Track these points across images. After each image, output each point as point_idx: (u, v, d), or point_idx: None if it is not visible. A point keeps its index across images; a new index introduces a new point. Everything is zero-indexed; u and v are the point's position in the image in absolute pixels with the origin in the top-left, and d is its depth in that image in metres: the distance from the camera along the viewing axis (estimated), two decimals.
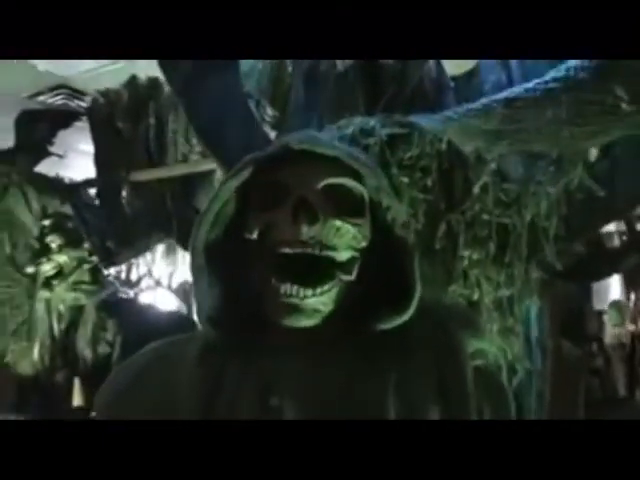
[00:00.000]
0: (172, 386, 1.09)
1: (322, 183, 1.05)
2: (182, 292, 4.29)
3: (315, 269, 1.01)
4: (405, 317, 1.03)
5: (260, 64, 2.44)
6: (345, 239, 1.04)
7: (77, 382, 2.75)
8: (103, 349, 2.57)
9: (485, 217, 1.67)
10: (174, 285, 4.28)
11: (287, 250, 1.01)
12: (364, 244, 1.06)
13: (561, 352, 2.88)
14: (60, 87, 6.34)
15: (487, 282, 1.65)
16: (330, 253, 1.02)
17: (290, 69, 2.32)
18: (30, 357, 2.85)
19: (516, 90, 1.54)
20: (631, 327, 11.97)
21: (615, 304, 8.82)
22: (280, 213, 1.02)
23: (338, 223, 1.03)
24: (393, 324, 1.04)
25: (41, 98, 6.57)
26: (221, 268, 1.09)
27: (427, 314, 1.06)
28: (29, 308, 2.82)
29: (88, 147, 3.52)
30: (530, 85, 1.51)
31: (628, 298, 12.73)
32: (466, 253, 1.64)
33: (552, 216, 1.66)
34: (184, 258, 4.28)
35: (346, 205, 1.05)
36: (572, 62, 1.46)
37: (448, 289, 1.62)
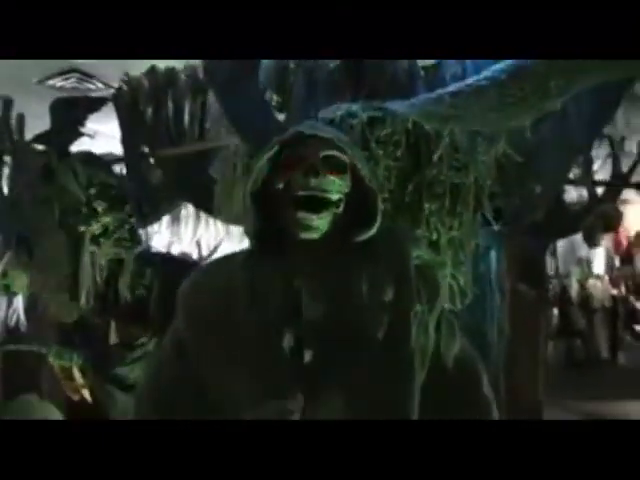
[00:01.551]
0: (228, 279, 1.67)
1: (322, 154, 1.67)
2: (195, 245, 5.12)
3: (318, 204, 1.64)
4: (372, 232, 1.66)
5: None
6: (335, 187, 1.66)
7: (114, 322, 3.32)
8: (140, 292, 3.16)
9: (442, 178, 2.25)
10: (194, 238, 5.00)
11: (302, 193, 1.64)
12: (347, 190, 1.68)
13: (518, 293, 3.42)
14: (70, 72, 6.74)
15: (442, 227, 2.23)
16: (327, 195, 1.65)
17: (292, 64, 2.87)
18: (71, 306, 3.38)
19: (459, 85, 2.13)
20: (614, 291, 12.50)
21: (579, 261, 9.33)
22: (297, 172, 1.64)
23: (331, 177, 1.65)
24: (365, 236, 1.67)
25: (51, 82, 6.89)
26: (261, 205, 1.67)
27: (386, 232, 1.66)
28: (70, 265, 3.36)
29: (115, 129, 4.04)
30: (469, 81, 2.09)
31: (610, 265, 13.22)
32: (427, 205, 2.23)
33: (487, 177, 2.24)
34: (200, 218, 4.98)
35: (336, 167, 1.68)
36: (499, 65, 2.03)
37: (414, 238, 2.21)
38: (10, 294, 4.18)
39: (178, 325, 1.81)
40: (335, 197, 1.66)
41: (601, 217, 6.35)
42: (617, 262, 13.75)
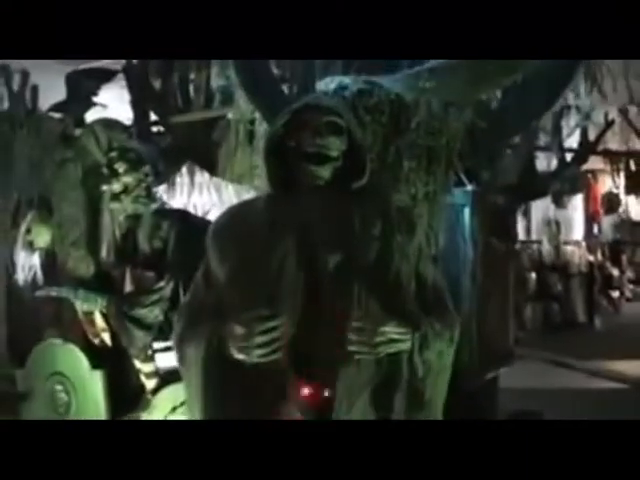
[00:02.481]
0: (249, 219, 2.12)
1: (325, 119, 2.11)
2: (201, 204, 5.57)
3: (323, 159, 2.10)
4: (363, 181, 2.10)
5: None
6: (335, 145, 2.11)
7: (132, 272, 3.67)
8: (158, 244, 3.52)
9: (419, 142, 2.69)
10: (203, 195, 5.45)
11: (310, 149, 2.09)
12: (344, 147, 2.13)
13: (490, 246, 3.79)
14: None
15: (420, 182, 2.67)
16: (329, 152, 2.10)
17: None
18: (89, 260, 3.71)
19: (435, 62, 2.56)
20: (590, 257, 12.87)
21: (548, 222, 9.65)
22: (306, 132, 2.09)
23: (332, 137, 2.10)
24: (358, 185, 2.12)
25: None
26: (277, 160, 2.13)
27: (374, 182, 2.10)
28: (89, 221, 3.65)
29: (126, 98, 4.41)
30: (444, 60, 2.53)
31: (590, 230, 13.56)
32: (406, 164, 2.67)
33: (457, 141, 2.67)
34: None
35: (336, 130, 2.12)
36: None
37: (396, 187, 2.63)
38: (33, 249, 4.51)
39: (207, 259, 2.22)
40: (335, 154, 2.10)
41: (568, 181, 6.76)
42: (595, 229, 14.21)
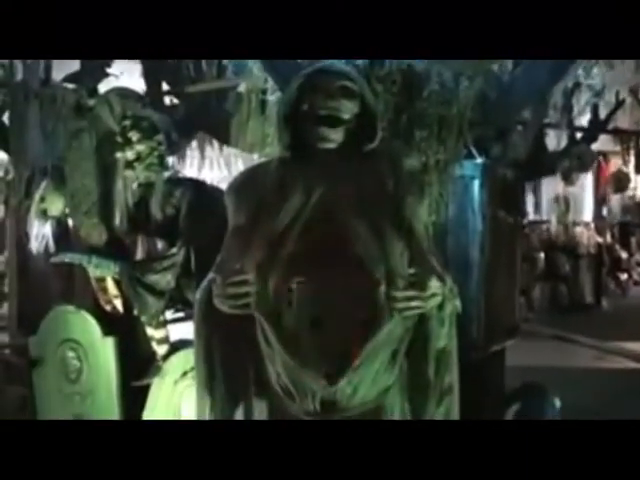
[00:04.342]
0: (263, 179, 2.18)
1: (338, 83, 2.16)
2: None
3: (335, 121, 2.14)
4: (374, 144, 2.15)
5: None
6: (348, 107, 2.16)
7: (144, 239, 3.66)
8: (170, 211, 3.54)
9: (431, 111, 2.72)
10: (213, 169, 5.49)
11: (322, 112, 2.14)
12: (356, 111, 2.18)
13: (498, 219, 3.82)
14: None
15: (430, 150, 2.71)
16: (341, 115, 2.15)
17: None
18: (101, 228, 3.71)
19: None
20: (599, 239, 12.81)
21: (556, 199, 9.60)
22: (319, 96, 2.14)
23: (344, 101, 2.15)
24: (370, 147, 2.17)
25: None
26: (290, 123, 2.18)
27: (385, 145, 2.14)
28: (102, 190, 3.68)
29: (139, 68, 4.44)
30: None
31: (599, 211, 13.49)
32: (418, 133, 2.70)
33: (467, 110, 2.70)
34: (214, 151, 5.47)
35: (348, 94, 2.17)
36: None
37: (408, 154, 2.67)
38: (47, 218, 4.56)
39: (229, 213, 2.25)
40: (347, 116, 2.15)
41: (577, 158, 6.73)
42: (604, 211, 14.14)
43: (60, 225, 4.42)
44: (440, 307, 2.10)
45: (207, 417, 2.14)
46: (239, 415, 2.10)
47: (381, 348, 2.04)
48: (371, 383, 2.04)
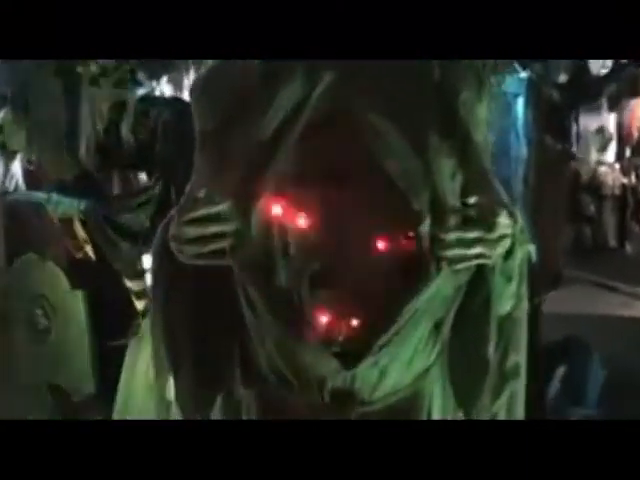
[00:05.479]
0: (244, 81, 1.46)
1: None
2: None
3: None
4: None
5: None
6: None
7: (117, 172, 3.26)
8: (144, 136, 3.05)
9: None
10: None
11: None
12: None
13: (544, 144, 3.37)
14: None
15: None
16: None
17: None
18: (70, 162, 3.27)
19: None
20: (624, 180, 12.42)
21: (599, 130, 9.41)
22: None
23: None
24: None
25: None
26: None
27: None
28: (65, 120, 3.24)
29: None
30: None
31: (622, 151, 13.17)
32: None
33: None
34: None
35: None
36: None
37: None
38: (8, 154, 4.08)
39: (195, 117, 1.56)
40: None
41: (626, 81, 6.26)
42: (628, 152, 13.71)
43: (22, 161, 3.97)
44: (508, 254, 1.41)
45: (173, 415, 1.55)
46: (216, 413, 1.48)
47: (422, 316, 1.37)
48: (407, 365, 1.39)
